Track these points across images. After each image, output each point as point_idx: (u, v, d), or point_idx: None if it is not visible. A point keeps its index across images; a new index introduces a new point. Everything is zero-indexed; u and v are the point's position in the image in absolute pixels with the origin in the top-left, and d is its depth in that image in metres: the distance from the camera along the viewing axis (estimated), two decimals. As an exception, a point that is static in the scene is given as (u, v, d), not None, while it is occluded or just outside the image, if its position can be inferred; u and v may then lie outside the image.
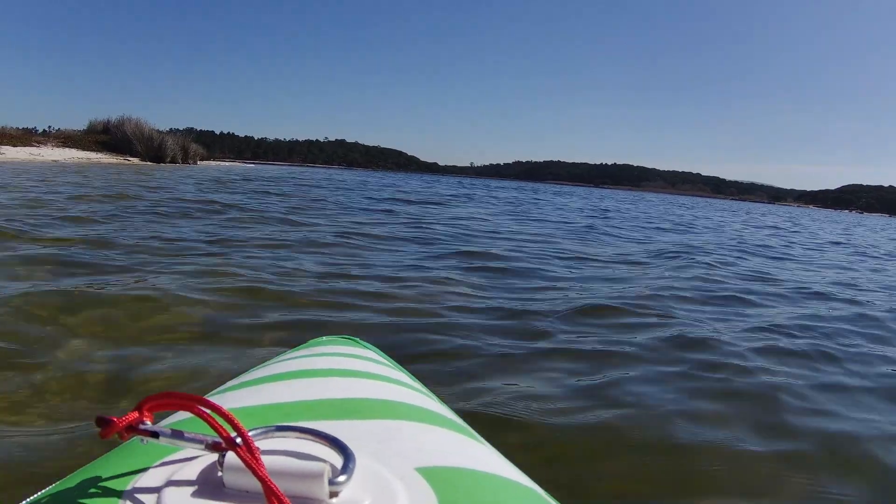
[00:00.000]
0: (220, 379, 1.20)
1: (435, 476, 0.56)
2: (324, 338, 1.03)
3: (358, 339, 1.03)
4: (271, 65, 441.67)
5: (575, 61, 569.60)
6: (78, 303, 3.39)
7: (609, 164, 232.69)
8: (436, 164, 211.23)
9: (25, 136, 31.64)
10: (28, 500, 0.53)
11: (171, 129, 40.70)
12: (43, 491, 0.54)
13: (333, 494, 0.49)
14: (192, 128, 67.47)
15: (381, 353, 0.99)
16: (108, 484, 0.53)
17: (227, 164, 56.75)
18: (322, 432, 0.58)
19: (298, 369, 0.83)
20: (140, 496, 0.51)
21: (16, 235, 5.42)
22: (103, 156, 32.53)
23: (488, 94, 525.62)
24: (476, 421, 0.98)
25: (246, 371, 0.88)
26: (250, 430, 0.54)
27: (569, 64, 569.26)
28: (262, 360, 0.92)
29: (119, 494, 0.51)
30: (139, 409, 0.51)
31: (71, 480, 0.55)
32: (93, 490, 0.52)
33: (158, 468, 0.55)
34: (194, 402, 0.52)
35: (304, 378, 0.80)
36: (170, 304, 3.50)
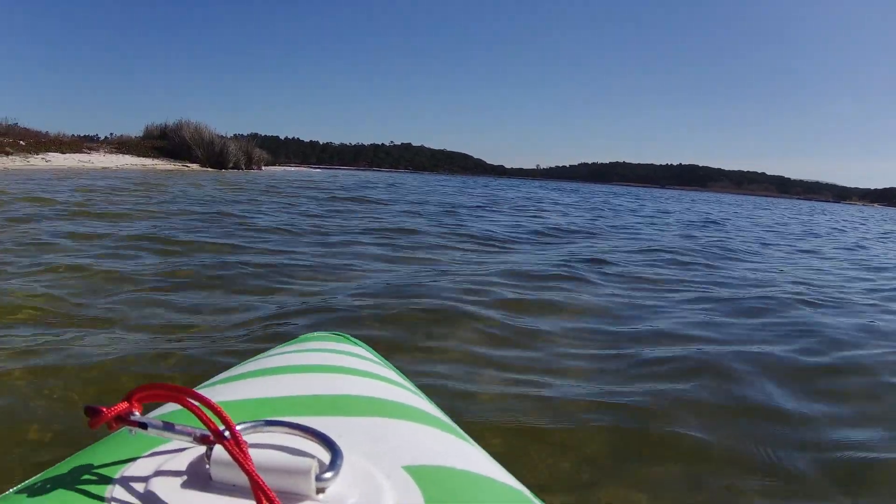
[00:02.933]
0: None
1: (422, 475, 0.55)
2: (314, 333, 1.04)
3: (348, 335, 1.02)
4: (335, 68, 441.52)
5: (637, 63, 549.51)
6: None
7: (674, 164, 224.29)
8: (502, 166, 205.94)
9: (76, 143, 28.87)
10: (18, 486, 0.53)
11: (235, 134, 38.04)
12: (33, 478, 0.54)
13: (320, 490, 0.49)
14: (256, 133, 65.41)
15: (371, 349, 0.98)
16: (98, 472, 0.53)
17: (293, 168, 54.19)
18: (310, 428, 0.57)
19: (288, 364, 0.82)
20: (129, 485, 0.50)
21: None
22: (160, 162, 29.70)
23: (552, 96, 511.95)
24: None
25: (236, 365, 0.86)
26: (239, 424, 0.53)
27: (631, 65, 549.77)
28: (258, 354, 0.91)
29: (108, 482, 0.51)
30: (128, 399, 0.51)
31: (61, 468, 0.55)
32: (82, 478, 0.52)
33: (147, 459, 0.54)
34: (183, 394, 0.51)
35: (293, 373, 0.79)
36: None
